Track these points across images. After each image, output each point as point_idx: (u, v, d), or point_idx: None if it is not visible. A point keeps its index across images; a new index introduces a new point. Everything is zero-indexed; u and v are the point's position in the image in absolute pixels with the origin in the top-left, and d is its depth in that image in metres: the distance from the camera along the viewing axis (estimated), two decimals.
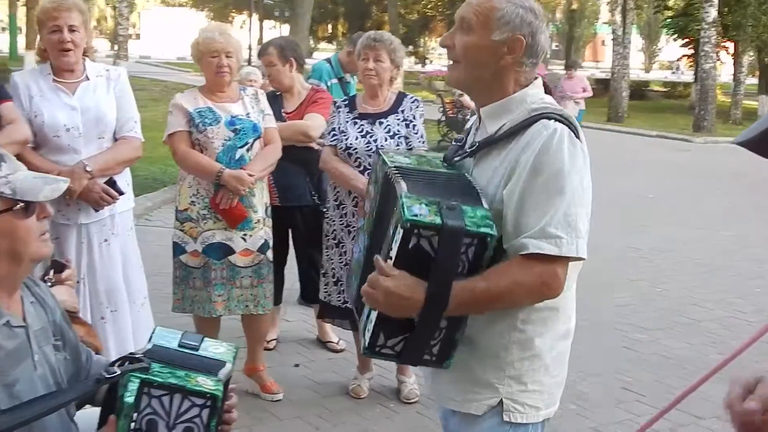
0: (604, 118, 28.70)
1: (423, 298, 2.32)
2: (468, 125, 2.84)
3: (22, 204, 2.29)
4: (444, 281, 2.32)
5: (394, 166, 2.50)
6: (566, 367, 2.69)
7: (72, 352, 2.64)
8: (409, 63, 44.97)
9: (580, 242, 2.38)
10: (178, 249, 5.13)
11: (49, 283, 3.25)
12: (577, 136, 2.46)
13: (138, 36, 66.00)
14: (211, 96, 5.11)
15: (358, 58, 5.27)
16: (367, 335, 2.46)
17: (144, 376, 2.28)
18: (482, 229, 2.29)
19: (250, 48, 34.27)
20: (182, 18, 61.38)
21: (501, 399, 2.55)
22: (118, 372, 2.28)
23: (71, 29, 4.47)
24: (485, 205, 2.37)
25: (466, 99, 18.49)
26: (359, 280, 2.57)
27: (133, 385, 2.26)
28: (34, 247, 2.36)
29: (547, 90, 2.63)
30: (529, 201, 2.38)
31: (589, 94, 19.12)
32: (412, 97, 5.38)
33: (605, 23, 47.20)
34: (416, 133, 5.19)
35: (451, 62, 2.62)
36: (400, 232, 2.28)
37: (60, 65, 4.57)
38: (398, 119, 5.20)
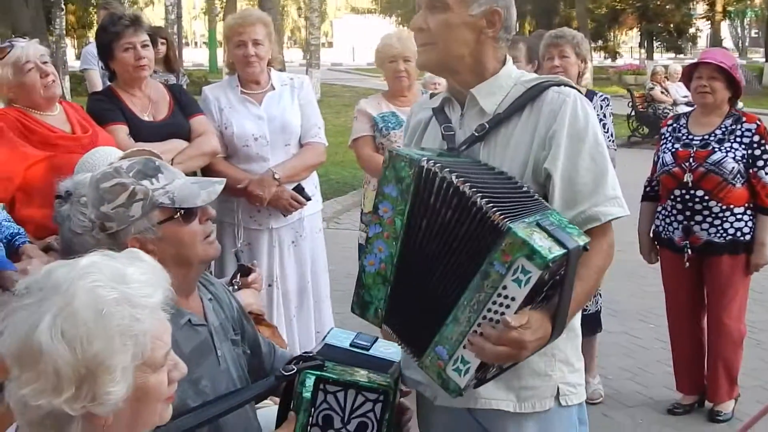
0: None
1: (550, 330, 2.24)
2: (423, 107, 2.71)
3: (182, 211, 2.38)
4: (567, 303, 2.27)
5: (457, 176, 2.23)
6: None
7: (252, 345, 2.74)
8: (599, 58, 43.97)
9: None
10: (363, 251, 5.25)
11: (236, 287, 3.41)
12: None
13: (330, 44, 67.59)
14: (394, 100, 5.29)
15: (543, 59, 5.26)
16: (463, 378, 2.26)
17: (319, 373, 2.36)
18: (583, 238, 2.25)
19: None
20: (372, 25, 62.46)
21: (557, 385, 2.49)
22: (295, 369, 2.37)
23: (255, 43, 4.67)
24: (552, 206, 2.33)
25: (657, 93, 18.00)
26: (387, 297, 2.37)
27: (310, 382, 2.35)
28: (201, 250, 2.43)
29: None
30: (582, 166, 2.38)
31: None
32: (601, 95, 5.32)
33: None
34: (606, 132, 5.11)
35: (422, 46, 2.49)
36: (534, 272, 2.10)
37: (246, 77, 4.80)
38: None
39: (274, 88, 4.84)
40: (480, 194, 2.17)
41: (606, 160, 2.44)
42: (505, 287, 2.14)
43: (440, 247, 2.24)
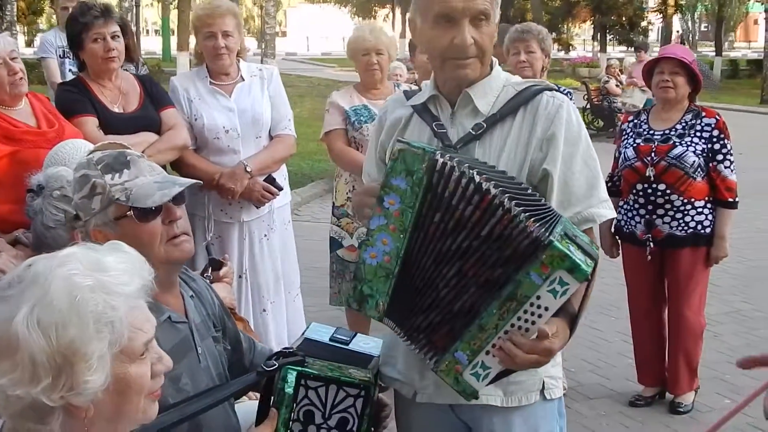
0: (757, 101, 27.56)
1: (569, 335, 2.31)
2: (401, 104, 2.70)
3: (136, 210, 2.34)
4: (584, 309, 2.32)
5: (478, 173, 2.22)
6: None
7: (233, 341, 2.73)
8: (552, 50, 44.31)
9: None
10: (335, 244, 5.31)
11: (208, 281, 3.40)
12: None
13: (284, 34, 67.33)
14: (366, 93, 5.31)
15: (508, 53, 5.30)
16: (480, 383, 2.29)
17: (300, 369, 2.37)
18: (595, 247, 2.29)
19: None
20: (327, 14, 62.31)
21: (543, 379, 2.53)
22: (276, 365, 2.37)
23: (225, 34, 4.65)
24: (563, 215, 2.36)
25: (612, 86, 18.18)
26: (391, 290, 2.34)
27: (291, 377, 2.36)
28: (161, 252, 2.37)
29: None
30: (577, 170, 2.46)
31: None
32: (564, 90, 5.35)
33: (758, 1, 45.28)
34: None
35: (472, 58, 2.46)
36: (572, 285, 2.15)
37: (216, 69, 4.77)
38: None
39: (243, 80, 4.82)
40: (507, 195, 2.17)
41: (596, 163, 2.51)
42: (539, 297, 2.16)
43: (458, 244, 2.23)
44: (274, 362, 2.39)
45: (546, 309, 2.17)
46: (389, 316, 2.39)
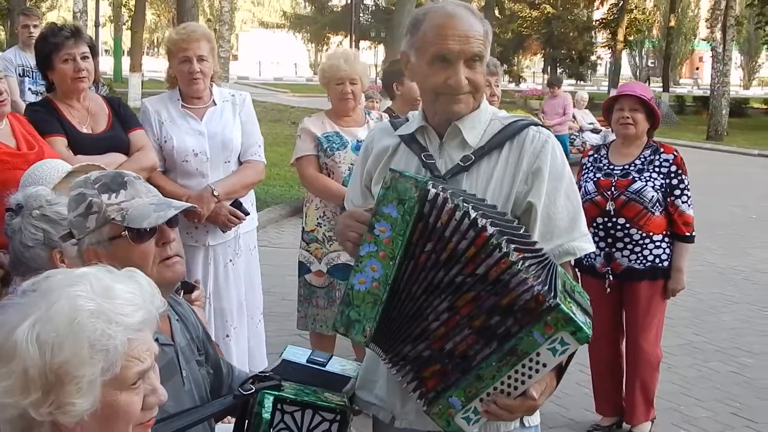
0: (703, 137, 28.10)
1: (555, 386, 2.43)
2: (387, 134, 2.76)
3: (131, 231, 2.35)
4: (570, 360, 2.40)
5: (473, 207, 2.26)
6: None
7: (214, 366, 2.74)
8: (503, 82, 44.74)
9: None
10: (303, 268, 5.33)
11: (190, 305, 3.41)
12: None
13: (236, 57, 67.19)
14: (338, 120, 5.33)
15: None
16: (471, 427, 2.35)
17: (277, 393, 2.39)
18: (586, 299, 2.43)
19: None
20: (278, 39, 62.33)
21: None
22: (253, 389, 2.40)
23: (200, 59, 4.67)
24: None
25: None
26: (378, 316, 2.35)
27: (268, 402, 2.37)
28: (153, 272, 2.37)
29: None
30: (558, 203, 2.55)
31: (568, 118, 17.55)
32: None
33: (704, 40, 46.34)
34: None
35: (466, 95, 2.55)
36: (573, 346, 2.24)
37: (190, 93, 4.78)
38: None
39: (215, 104, 4.84)
40: (506, 237, 2.22)
41: (578, 197, 2.62)
42: (539, 354, 2.22)
43: (450, 277, 2.26)
44: (251, 386, 2.41)
45: (544, 365, 2.24)
46: (376, 342, 2.40)
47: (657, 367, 5.32)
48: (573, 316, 2.19)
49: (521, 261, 2.20)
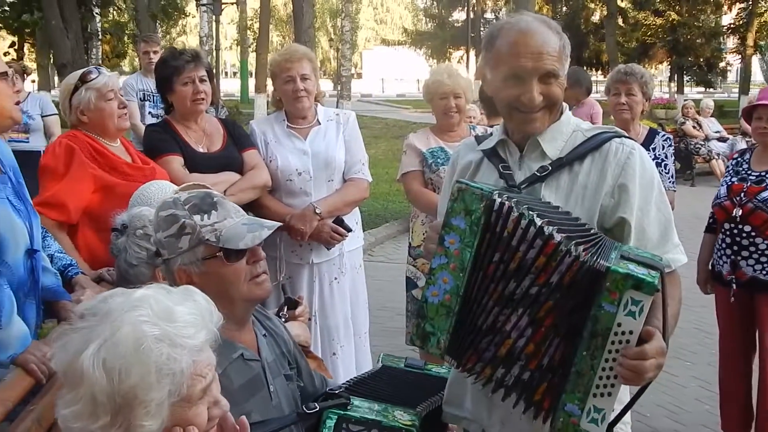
0: None
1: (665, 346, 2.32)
2: (471, 149, 2.77)
3: (226, 251, 2.41)
4: (668, 320, 2.32)
5: (538, 215, 2.28)
6: None
7: (307, 379, 2.77)
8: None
9: None
10: (410, 284, 5.34)
11: (283, 319, 3.44)
12: None
13: (360, 75, 68.05)
14: (443, 135, 5.33)
15: (608, 93, 5.29)
16: (601, 426, 2.29)
17: (341, 413, 2.40)
18: (659, 257, 2.35)
19: None
20: (401, 56, 62.77)
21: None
22: (317, 408, 2.43)
23: (303, 78, 4.72)
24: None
25: (689, 127, 17.94)
26: (452, 328, 2.35)
27: (331, 422, 2.40)
28: (244, 289, 2.45)
29: None
30: (651, 216, 2.52)
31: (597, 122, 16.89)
32: (663, 135, 5.33)
33: None
34: (667, 173, 5.16)
35: (541, 111, 2.53)
36: (646, 300, 2.19)
37: (295, 112, 4.84)
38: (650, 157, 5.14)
39: (320, 123, 4.88)
40: (574, 242, 2.21)
41: (668, 208, 2.58)
42: (620, 324, 2.19)
43: (523, 290, 2.26)
44: (316, 405, 2.45)
45: (631, 333, 2.21)
46: (450, 354, 2.40)
47: None
48: (629, 272, 2.16)
49: (578, 246, 2.21)
